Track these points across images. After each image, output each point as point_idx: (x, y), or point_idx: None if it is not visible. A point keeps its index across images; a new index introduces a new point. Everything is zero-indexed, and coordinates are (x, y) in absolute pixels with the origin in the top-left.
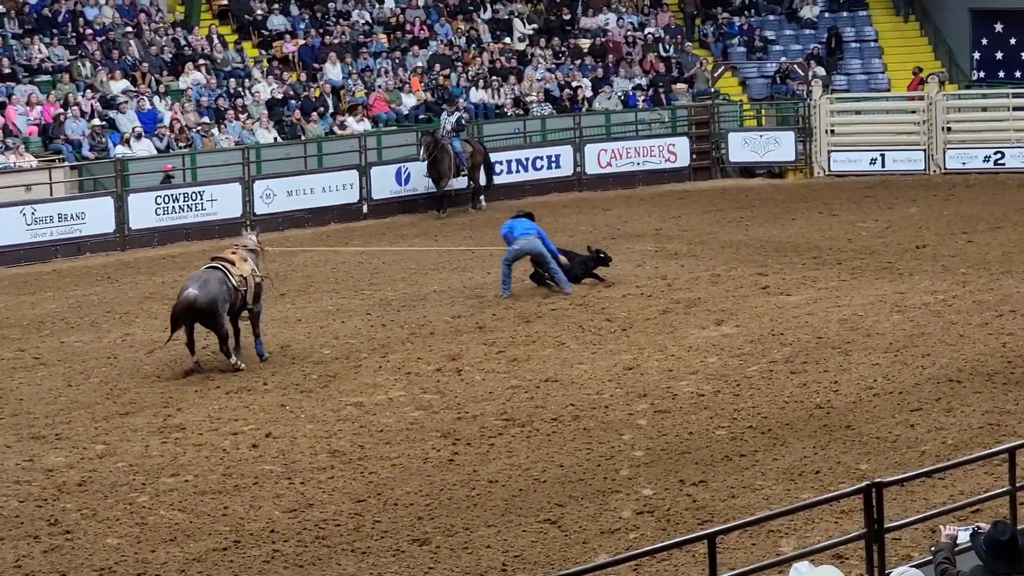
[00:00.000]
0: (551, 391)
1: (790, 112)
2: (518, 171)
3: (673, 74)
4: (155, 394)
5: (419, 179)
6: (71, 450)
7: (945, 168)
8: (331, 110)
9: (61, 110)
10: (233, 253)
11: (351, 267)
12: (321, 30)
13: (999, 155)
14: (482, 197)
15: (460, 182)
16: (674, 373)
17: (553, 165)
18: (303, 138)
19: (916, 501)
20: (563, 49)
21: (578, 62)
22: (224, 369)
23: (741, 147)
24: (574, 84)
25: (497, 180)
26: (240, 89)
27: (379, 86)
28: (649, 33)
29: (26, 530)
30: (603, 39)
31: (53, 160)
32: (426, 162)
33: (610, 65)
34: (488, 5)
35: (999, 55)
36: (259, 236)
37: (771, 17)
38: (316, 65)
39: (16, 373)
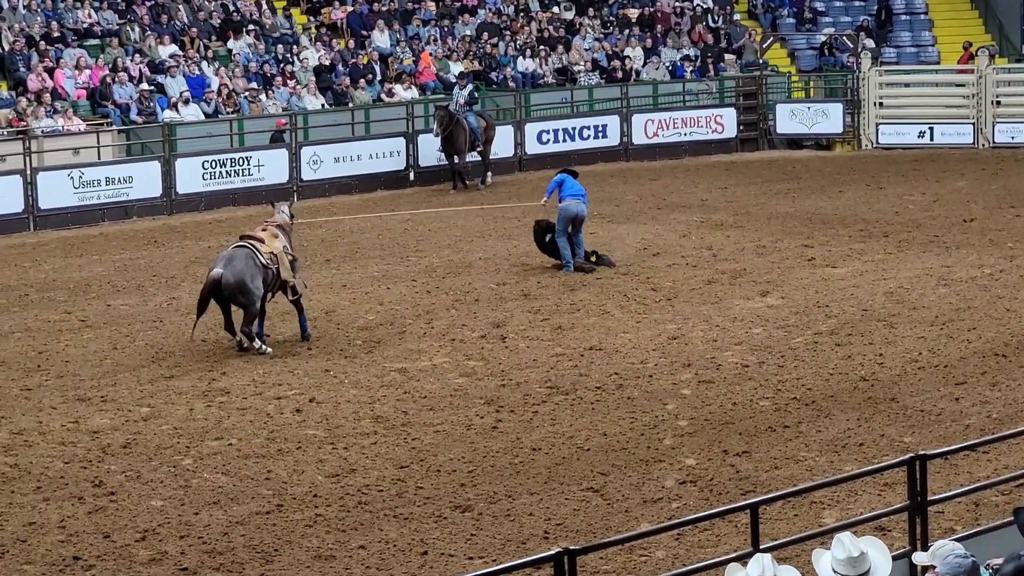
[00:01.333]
0: (595, 359)
1: (838, 84)
2: (565, 140)
3: (721, 45)
4: (200, 358)
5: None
6: (116, 412)
7: (994, 142)
8: (379, 77)
9: (109, 74)
10: (263, 230)
11: (397, 234)
12: None
13: None
14: (489, 173)
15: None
16: (718, 343)
17: (600, 135)
18: (351, 105)
19: (960, 474)
20: (611, 19)
21: (626, 32)
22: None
23: (788, 119)
24: (623, 54)
25: (544, 149)
26: (288, 55)
27: (429, 53)
28: (698, 4)
29: (71, 491)
30: (652, 9)
31: (101, 124)
32: (440, 137)
33: (658, 35)
34: None
35: None
36: (292, 208)
37: None
38: (364, 32)
39: (62, 335)
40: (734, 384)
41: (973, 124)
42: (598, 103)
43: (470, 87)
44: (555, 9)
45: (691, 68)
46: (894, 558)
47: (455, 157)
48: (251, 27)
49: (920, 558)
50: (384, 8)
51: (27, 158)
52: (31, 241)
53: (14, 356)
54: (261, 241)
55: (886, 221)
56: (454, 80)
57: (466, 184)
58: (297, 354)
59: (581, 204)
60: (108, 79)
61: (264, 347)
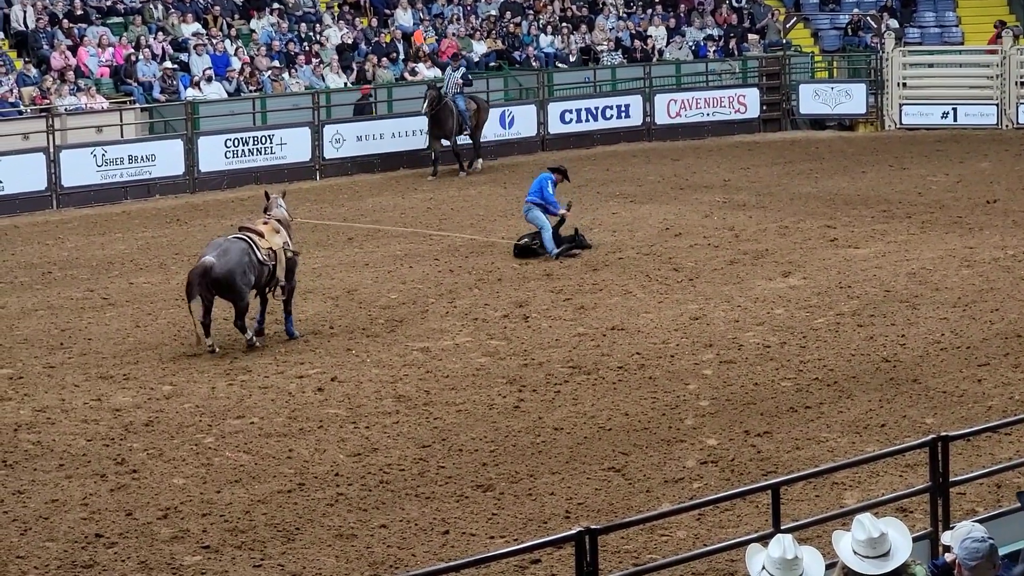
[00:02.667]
0: (617, 339)
1: (862, 64)
2: (587, 120)
3: (745, 25)
4: (222, 336)
5: (490, 126)
6: (138, 390)
7: (1017, 123)
8: (402, 56)
9: (133, 51)
10: (264, 224)
11: (420, 212)
12: None
13: None
14: (480, 160)
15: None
16: (740, 324)
17: (623, 115)
18: (373, 84)
19: (982, 456)
20: None
21: (649, 11)
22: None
23: (812, 99)
24: (646, 34)
25: (566, 128)
26: (311, 34)
27: (451, 33)
28: None
29: (93, 468)
30: None
31: (124, 102)
32: (428, 116)
33: (682, 15)
34: None
35: None
36: (286, 200)
37: None
38: (387, 11)
39: (85, 313)
40: (756, 365)
41: (997, 105)
42: (621, 83)
43: (462, 69)
44: None
45: (714, 48)
46: (915, 539)
47: (441, 140)
48: (274, 5)
49: (947, 538)
50: None
51: (50, 136)
52: (54, 219)
53: (37, 334)
54: (261, 235)
55: (909, 202)
56: (476, 59)
57: (464, 168)
58: (319, 333)
59: (527, 207)
60: (131, 56)
61: (256, 341)
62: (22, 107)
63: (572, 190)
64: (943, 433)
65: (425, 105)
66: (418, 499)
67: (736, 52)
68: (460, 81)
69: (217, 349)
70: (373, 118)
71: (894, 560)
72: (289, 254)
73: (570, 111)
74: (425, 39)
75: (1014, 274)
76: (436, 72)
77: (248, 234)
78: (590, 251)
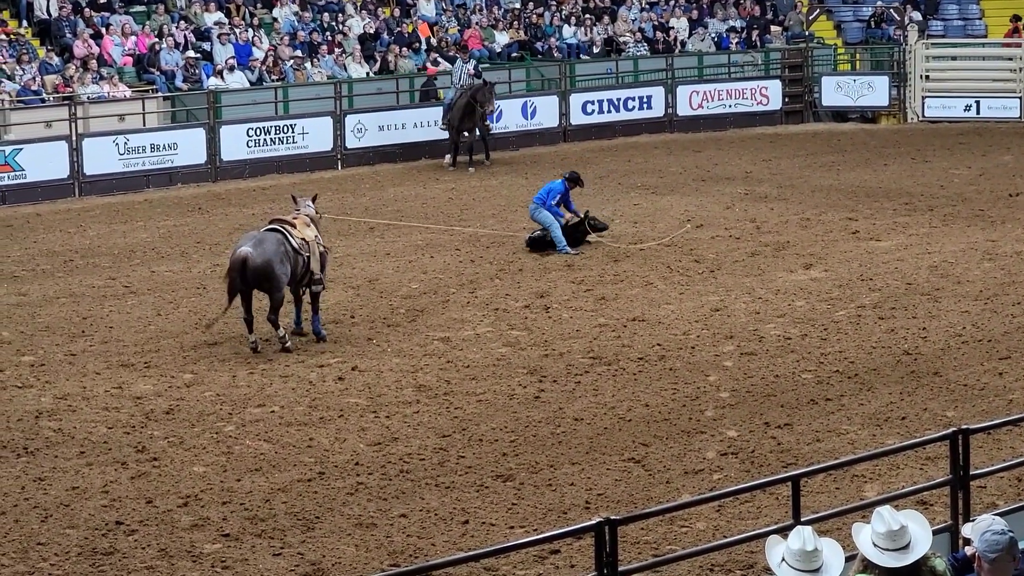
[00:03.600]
0: (638, 330)
1: (885, 57)
2: (609, 111)
3: (768, 16)
4: (243, 325)
5: (512, 117)
6: (159, 378)
7: None
8: (424, 46)
9: (156, 40)
10: (294, 218)
11: (441, 202)
12: None
13: None
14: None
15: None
16: (761, 316)
17: (645, 106)
18: (395, 73)
19: (1003, 449)
20: None
21: (672, 3)
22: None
23: (834, 91)
24: (668, 25)
25: (588, 120)
26: (334, 23)
27: (475, 23)
28: None
29: (114, 456)
30: None
31: (147, 91)
32: (459, 107)
33: (704, 6)
34: None
35: None
36: (317, 204)
37: None
38: (410, 1)
39: (106, 301)
40: (776, 356)
41: (1020, 98)
42: (643, 74)
43: (474, 61)
44: None
45: (737, 40)
46: (936, 532)
47: (466, 133)
48: None
49: (967, 530)
50: None
51: (73, 124)
52: (76, 207)
53: (59, 321)
54: (293, 226)
55: (931, 195)
56: (499, 50)
57: (486, 159)
58: (340, 322)
59: (533, 207)
60: (155, 45)
61: (288, 341)
62: (45, 95)
63: (594, 181)
64: (964, 426)
65: (490, 104)
66: (438, 489)
67: (759, 44)
68: (472, 72)
69: (260, 348)
70: (395, 108)
71: (914, 553)
72: (321, 248)
73: (592, 102)
74: (448, 28)
75: None
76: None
77: (281, 225)
78: (612, 241)
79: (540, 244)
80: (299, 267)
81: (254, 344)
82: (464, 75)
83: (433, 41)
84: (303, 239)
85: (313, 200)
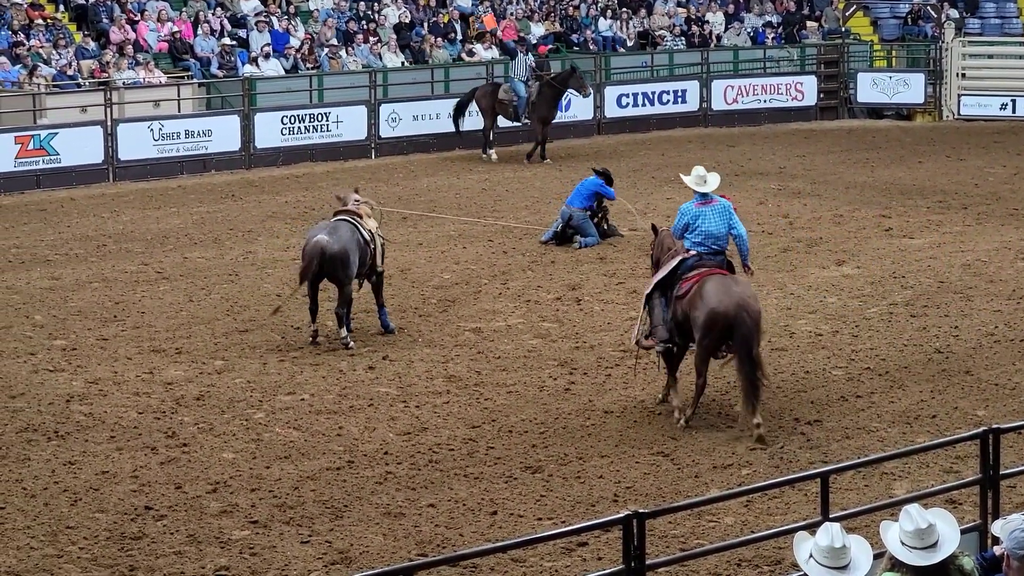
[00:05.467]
0: None
1: (921, 54)
2: (644, 105)
3: (804, 12)
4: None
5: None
6: (190, 364)
7: None
8: (459, 36)
9: (192, 26)
10: (358, 207)
11: (475, 193)
12: None
13: None
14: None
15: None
16: (792, 312)
17: (679, 100)
18: (430, 63)
19: None
20: None
21: None
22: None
23: (870, 88)
24: (704, 19)
25: (623, 113)
26: (369, 12)
27: (510, 14)
28: None
29: (144, 441)
30: None
31: (182, 77)
32: (545, 98)
33: (741, 1)
34: None
35: None
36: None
37: None
38: None
39: (139, 287)
40: (807, 352)
41: None
42: (678, 68)
43: (532, 54)
44: None
45: (773, 35)
46: (965, 531)
47: (547, 125)
48: None
49: (997, 528)
50: None
51: (108, 109)
52: (110, 192)
53: (91, 306)
54: (360, 217)
55: (965, 193)
56: (534, 41)
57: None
58: (372, 311)
59: (568, 208)
60: (189, 32)
61: (351, 342)
62: (81, 80)
63: (627, 175)
64: (994, 425)
65: (586, 88)
66: (467, 479)
67: (795, 39)
68: (533, 64)
69: (320, 339)
70: (430, 98)
71: (941, 552)
72: (381, 240)
73: (627, 95)
74: (482, 19)
75: None
76: (494, 52)
77: (350, 215)
78: (644, 234)
79: (563, 239)
80: (367, 258)
81: (314, 332)
82: (527, 68)
83: (499, 33)
84: (370, 230)
85: (356, 192)
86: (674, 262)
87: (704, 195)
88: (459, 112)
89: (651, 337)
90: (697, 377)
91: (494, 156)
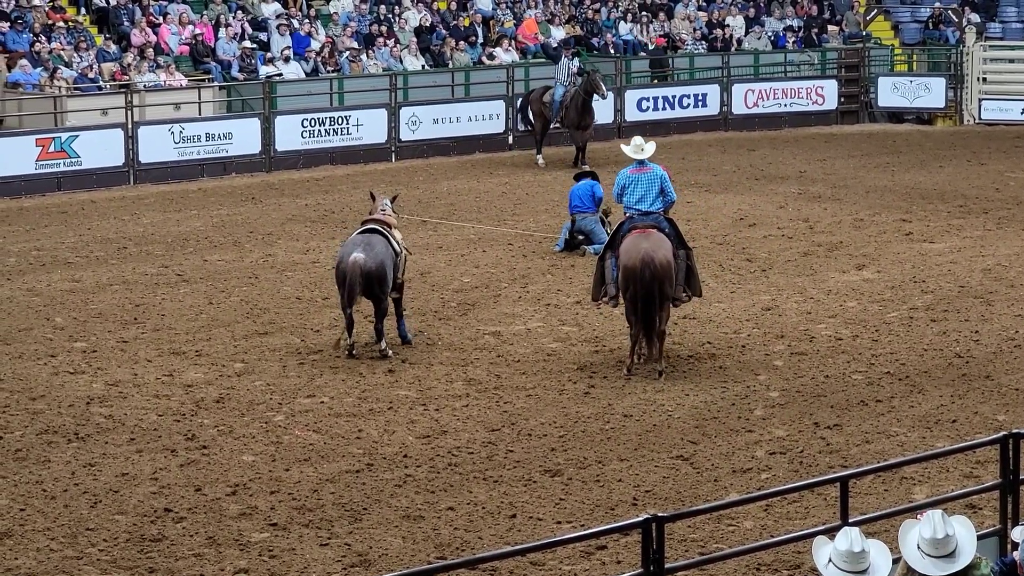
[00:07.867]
0: (688, 328)
1: (942, 58)
2: (664, 108)
3: (825, 16)
4: (294, 315)
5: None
6: (210, 367)
7: None
8: (480, 40)
9: (213, 29)
10: (384, 214)
11: (494, 196)
12: None
13: None
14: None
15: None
16: (813, 316)
17: (700, 104)
18: (451, 66)
19: None
20: None
21: (729, 0)
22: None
23: (890, 92)
24: (724, 23)
25: (643, 116)
26: (390, 15)
27: (528, 16)
28: None
29: (164, 443)
30: None
31: (202, 80)
32: (577, 104)
33: (761, 5)
34: None
35: None
36: (395, 205)
37: None
38: None
39: (159, 289)
40: (827, 357)
41: None
42: (699, 71)
43: (577, 60)
44: None
45: (793, 39)
46: (984, 536)
47: (586, 131)
48: None
49: (1016, 534)
50: None
51: (129, 112)
52: (131, 194)
53: (111, 308)
54: (389, 226)
55: (986, 198)
56: (554, 45)
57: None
58: (391, 315)
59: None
60: (210, 35)
61: (389, 352)
62: (102, 83)
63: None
64: (1015, 430)
65: (604, 89)
66: (486, 482)
67: (815, 43)
68: (575, 70)
69: (356, 352)
70: (450, 101)
71: (957, 563)
72: (405, 252)
73: (647, 99)
74: (503, 22)
75: None
76: (514, 56)
77: (380, 225)
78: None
79: (573, 246)
80: (399, 270)
81: (351, 346)
82: (569, 72)
83: (540, 37)
84: (398, 240)
85: (392, 200)
86: (617, 225)
87: (640, 162)
88: (523, 113)
89: (603, 296)
90: (630, 328)
91: (541, 162)
